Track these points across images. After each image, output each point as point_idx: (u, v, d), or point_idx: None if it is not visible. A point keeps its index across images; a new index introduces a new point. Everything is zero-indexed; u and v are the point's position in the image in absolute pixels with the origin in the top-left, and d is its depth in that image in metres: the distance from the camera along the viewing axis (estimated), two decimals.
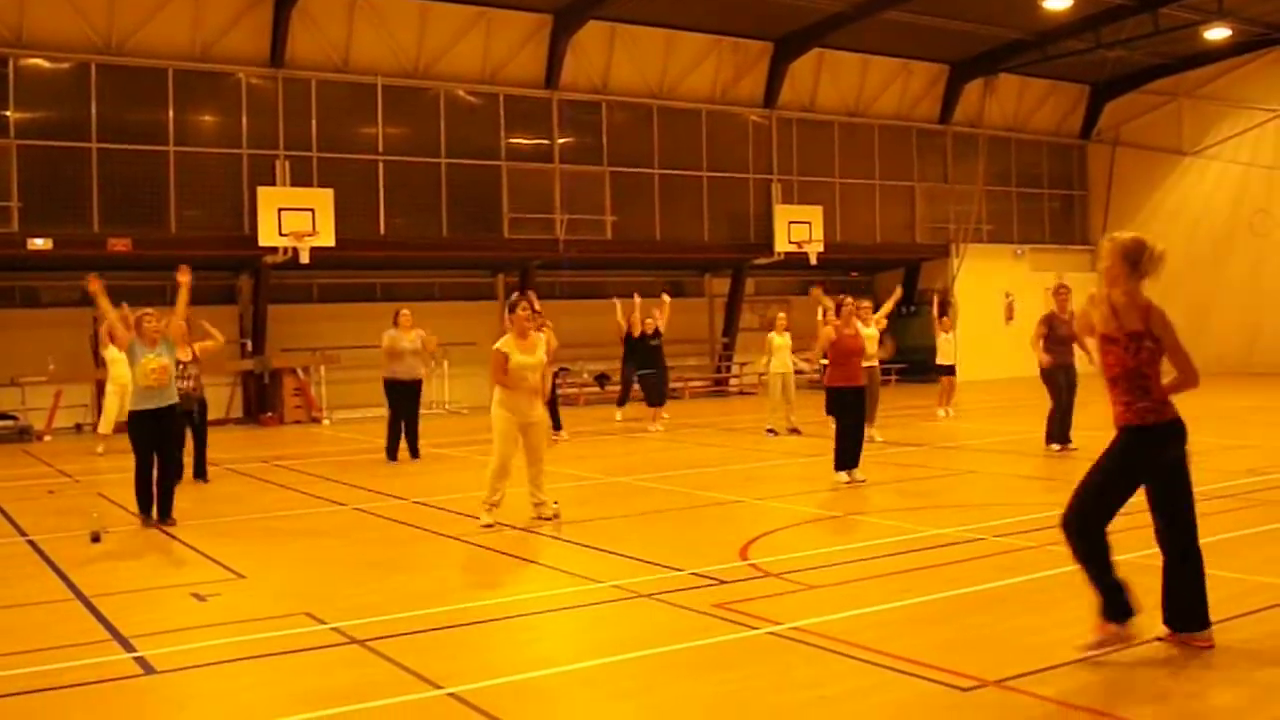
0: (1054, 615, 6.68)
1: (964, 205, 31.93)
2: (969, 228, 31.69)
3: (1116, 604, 5.90)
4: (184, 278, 11.43)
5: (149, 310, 11.17)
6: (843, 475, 12.22)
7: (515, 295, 10.96)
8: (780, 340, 18.18)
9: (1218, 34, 28.38)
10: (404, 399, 15.74)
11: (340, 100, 23.94)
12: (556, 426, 18.18)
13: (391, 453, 15.60)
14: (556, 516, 10.43)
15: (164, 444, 10.88)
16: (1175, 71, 32.06)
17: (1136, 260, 6.12)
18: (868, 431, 16.51)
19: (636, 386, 20.21)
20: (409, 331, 15.75)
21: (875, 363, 16.54)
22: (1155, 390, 6.03)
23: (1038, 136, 34.17)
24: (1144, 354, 6.03)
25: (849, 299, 12.89)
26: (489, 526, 10.11)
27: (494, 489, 10.27)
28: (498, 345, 10.40)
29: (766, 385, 19.08)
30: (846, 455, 12.30)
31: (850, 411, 12.34)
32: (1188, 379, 6.15)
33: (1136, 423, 6.04)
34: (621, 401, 20.50)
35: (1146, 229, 32.81)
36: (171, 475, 11.09)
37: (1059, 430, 14.52)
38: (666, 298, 20.47)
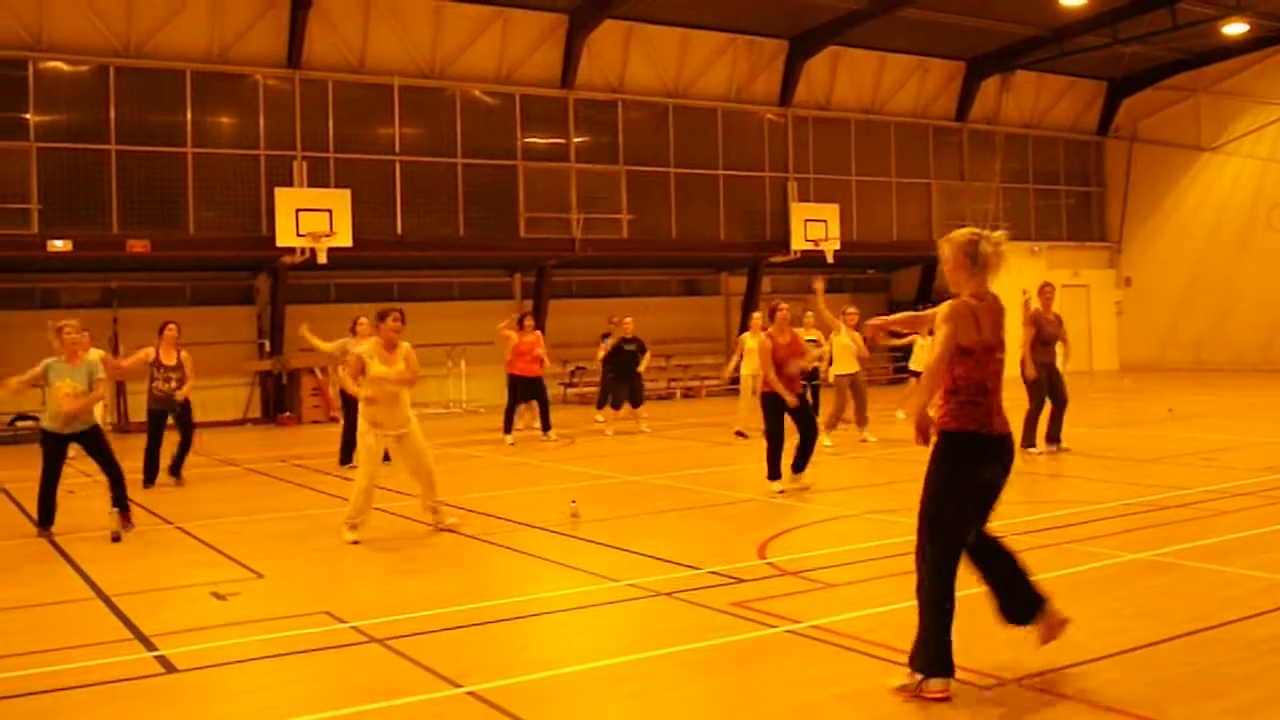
0: (1074, 614, 6.64)
1: (981, 203, 31.84)
2: (986, 225, 31.50)
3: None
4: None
5: (70, 321, 10.72)
6: (776, 485, 11.81)
7: (386, 307, 10.49)
8: (754, 342, 17.65)
9: (1236, 29, 28.22)
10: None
11: (357, 101, 24.01)
12: (546, 428, 18.15)
13: (346, 459, 15.14)
14: (455, 525, 10.22)
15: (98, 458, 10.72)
16: (1193, 67, 31.90)
17: (974, 255, 5.68)
18: (862, 433, 16.51)
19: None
20: (366, 340, 15.36)
21: (858, 368, 16.44)
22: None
23: (1055, 133, 34.04)
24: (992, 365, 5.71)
25: (784, 305, 12.29)
26: (355, 544, 9.75)
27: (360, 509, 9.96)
28: (362, 349, 10.13)
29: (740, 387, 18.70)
30: (778, 462, 11.90)
31: (780, 420, 11.85)
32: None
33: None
34: (600, 404, 20.21)
35: (1165, 226, 32.89)
36: (121, 484, 10.79)
37: (1029, 433, 14.18)
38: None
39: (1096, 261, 34.23)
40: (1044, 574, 7.62)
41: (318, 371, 23.63)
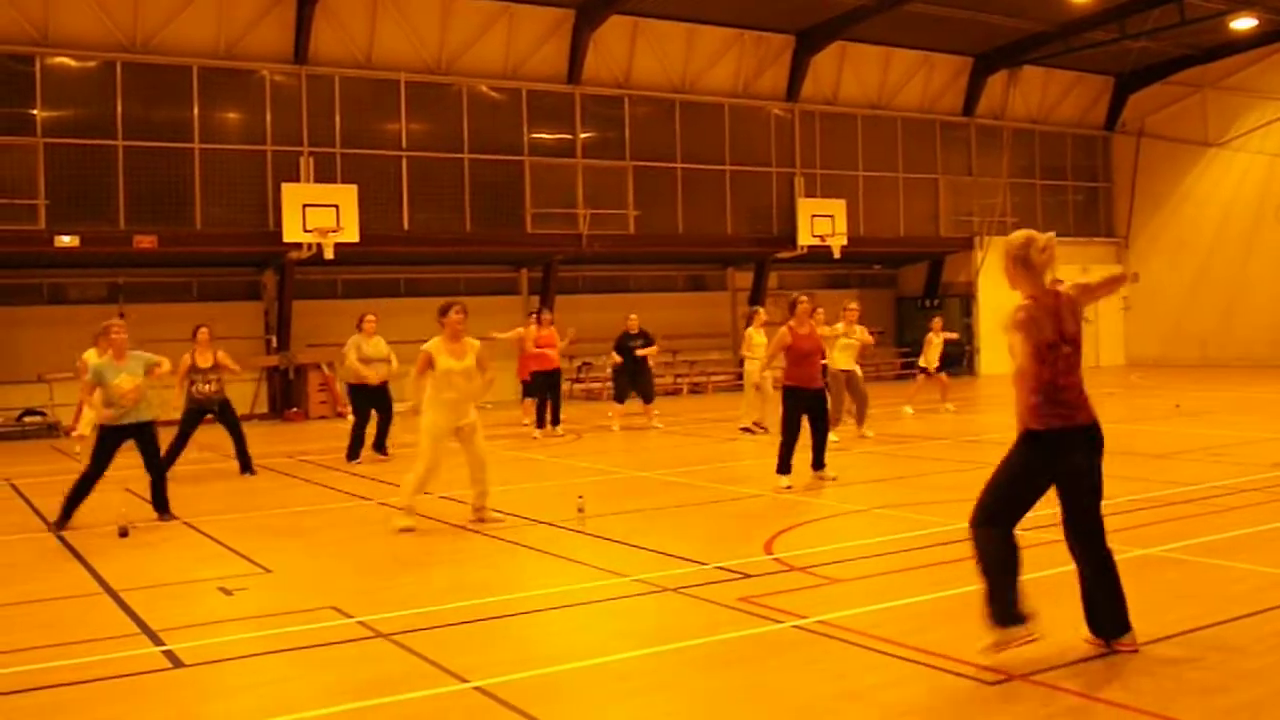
0: (1080, 609, 6.64)
1: (988, 198, 31.81)
2: (993, 220, 31.55)
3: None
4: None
5: (116, 320, 11.15)
6: (784, 480, 11.79)
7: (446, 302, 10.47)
8: (760, 337, 17.59)
9: (1244, 24, 28.18)
10: (373, 403, 15.48)
11: (363, 96, 24.03)
12: (556, 422, 18.16)
13: (353, 455, 15.33)
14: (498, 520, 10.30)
15: (145, 453, 10.92)
16: (1200, 62, 31.82)
17: (1024, 258, 5.85)
18: (861, 430, 16.48)
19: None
20: (374, 337, 15.41)
21: (855, 366, 16.42)
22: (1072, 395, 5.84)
23: (1062, 128, 33.99)
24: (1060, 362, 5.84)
25: (804, 298, 12.32)
26: (408, 530, 9.94)
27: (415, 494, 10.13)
28: (425, 346, 10.18)
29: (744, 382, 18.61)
30: (789, 457, 11.87)
31: (799, 414, 11.81)
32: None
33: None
34: (620, 398, 20.10)
35: (1172, 221, 32.88)
36: (161, 479, 11.11)
37: None
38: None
39: (1104, 257, 34.14)
40: (1051, 570, 7.62)
41: (324, 367, 23.64)
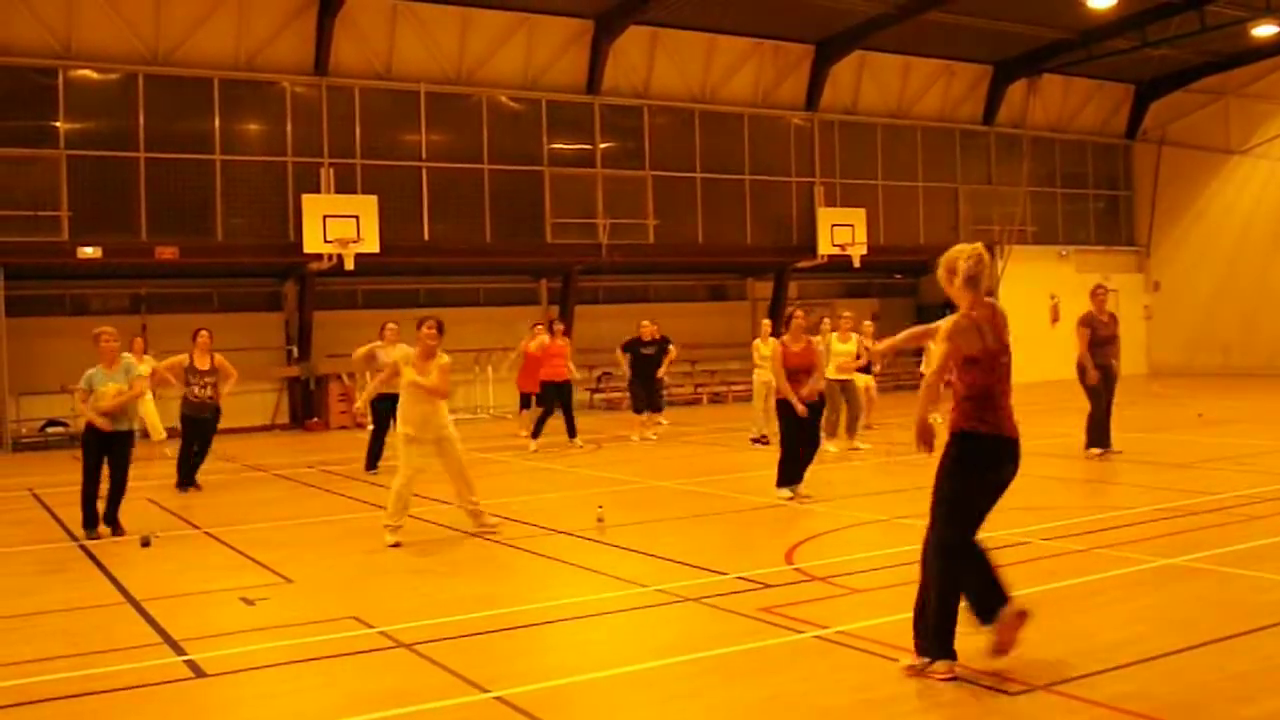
0: (1103, 619, 6.62)
1: (1008, 206, 31.72)
2: (1013, 229, 31.47)
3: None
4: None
5: (107, 328, 11.31)
6: (785, 492, 11.82)
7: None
8: (767, 349, 17.59)
9: (1266, 30, 28.02)
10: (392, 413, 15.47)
11: (384, 107, 24.11)
12: (571, 434, 18.07)
13: (371, 466, 15.38)
14: (495, 526, 10.33)
15: (114, 460, 10.95)
16: (1222, 69, 31.68)
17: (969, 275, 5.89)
18: (852, 442, 16.42)
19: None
20: (395, 345, 15.42)
21: (850, 375, 16.33)
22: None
23: (1082, 137, 33.88)
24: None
25: (800, 312, 12.27)
26: (396, 546, 9.87)
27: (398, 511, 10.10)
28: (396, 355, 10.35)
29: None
30: (789, 470, 11.89)
31: (795, 428, 11.84)
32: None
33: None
34: (637, 409, 20.05)
35: (1194, 229, 32.58)
36: (120, 490, 11.04)
37: (1099, 434, 14.30)
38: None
39: (1125, 265, 34.01)
40: (1073, 579, 7.59)
41: (344, 378, 23.69)
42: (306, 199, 22.43)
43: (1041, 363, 29.92)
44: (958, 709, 5.26)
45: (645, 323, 19.44)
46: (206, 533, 10.86)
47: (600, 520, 10.41)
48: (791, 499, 11.70)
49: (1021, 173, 32.06)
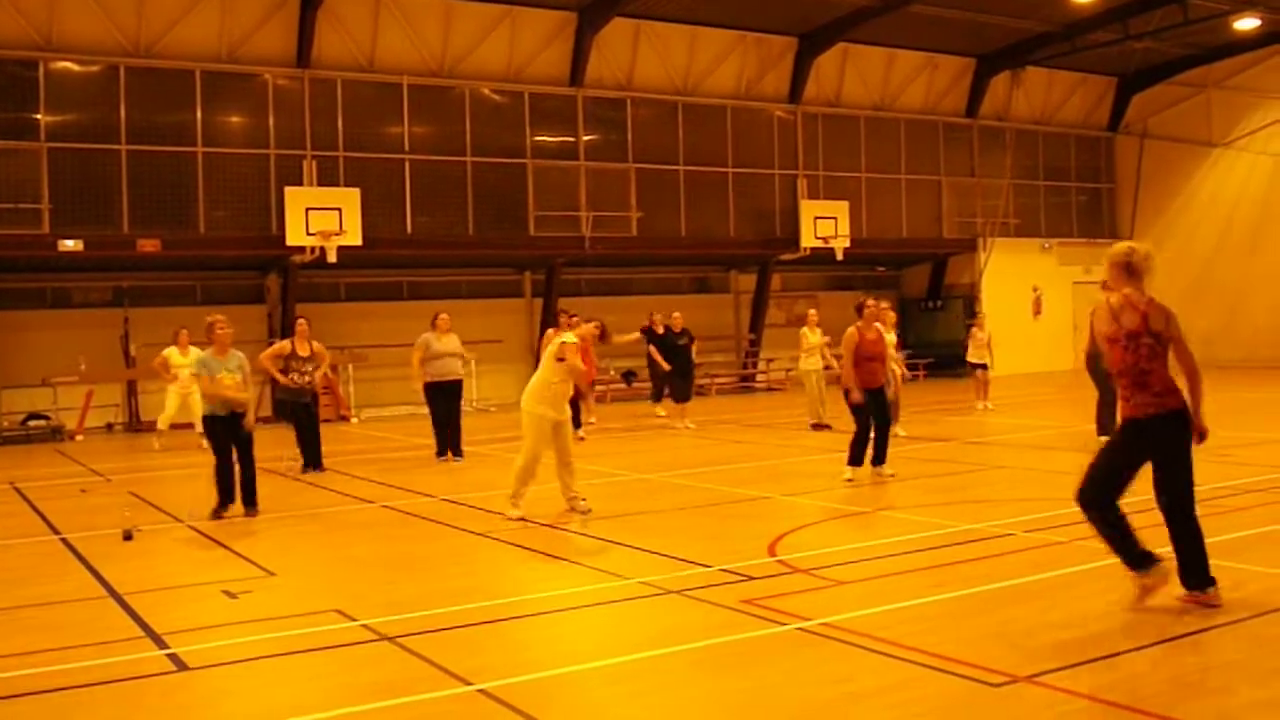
0: (1086, 610, 6.64)
1: (991, 199, 31.80)
2: (996, 222, 31.54)
3: (1138, 557, 6.63)
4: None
5: (219, 316, 11.77)
6: (848, 472, 12.23)
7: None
8: (814, 337, 18.42)
9: (1248, 24, 28.13)
10: (448, 400, 15.76)
11: (366, 100, 24.05)
12: (576, 425, 18.11)
13: (442, 451, 15.70)
14: (588, 511, 10.50)
15: (240, 444, 11.36)
16: (1204, 62, 31.78)
17: (1128, 265, 6.82)
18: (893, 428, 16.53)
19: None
20: (448, 334, 15.74)
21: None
22: (1155, 384, 6.62)
23: (1065, 129, 33.96)
24: (1142, 350, 6.65)
25: (871, 300, 12.71)
26: (519, 519, 10.29)
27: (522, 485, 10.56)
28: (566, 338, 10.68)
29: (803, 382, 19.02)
30: (856, 451, 12.33)
31: (865, 412, 12.25)
32: (1190, 375, 6.71)
33: (1134, 415, 6.68)
34: (656, 398, 20.33)
35: (1178, 222, 32.63)
36: (250, 470, 11.48)
37: (1111, 420, 14.27)
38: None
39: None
40: (1055, 571, 7.63)
41: (328, 370, 23.60)
42: (289, 191, 22.36)
43: (1024, 354, 30.12)
44: (940, 700, 5.27)
45: (676, 315, 19.57)
46: (189, 526, 10.82)
47: (586, 512, 10.42)
48: (851, 480, 12.07)
49: (1004, 165, 32.12)
